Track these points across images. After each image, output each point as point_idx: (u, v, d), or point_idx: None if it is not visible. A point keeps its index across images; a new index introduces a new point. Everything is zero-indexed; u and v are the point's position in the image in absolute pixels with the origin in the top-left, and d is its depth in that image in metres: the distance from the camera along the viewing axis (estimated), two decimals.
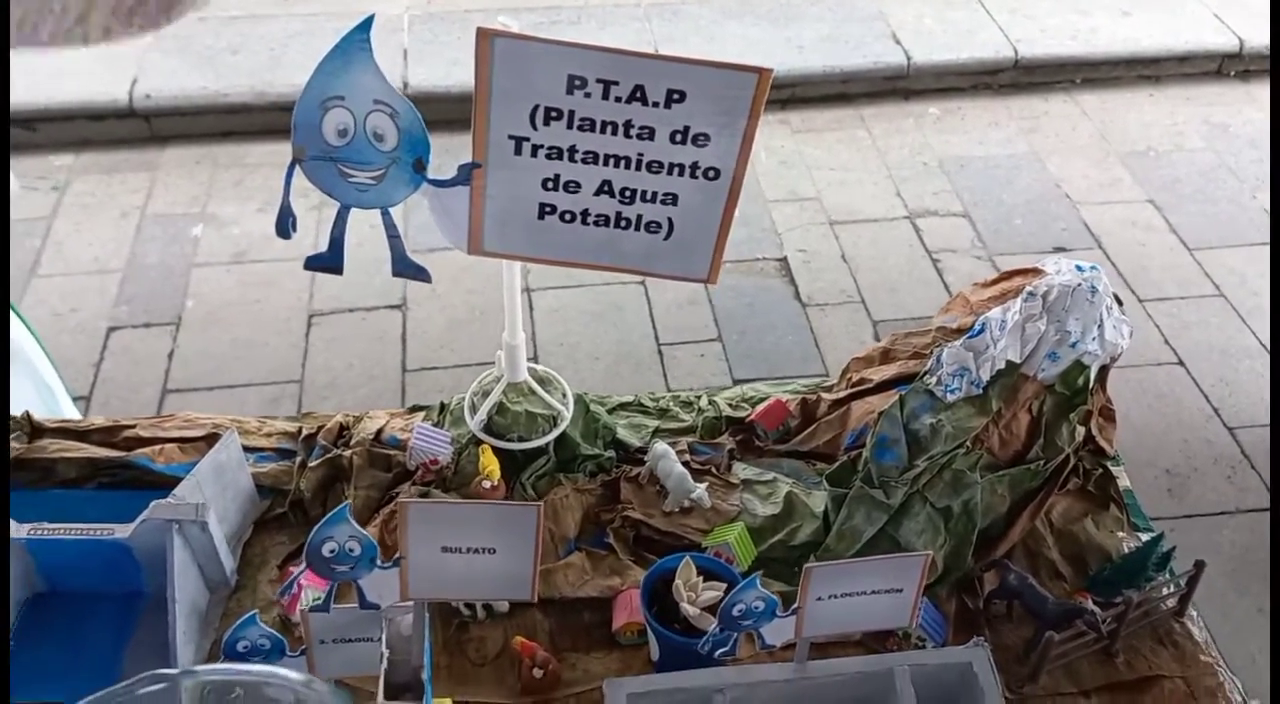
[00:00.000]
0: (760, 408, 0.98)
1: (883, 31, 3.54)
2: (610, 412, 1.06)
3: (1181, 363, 2.62)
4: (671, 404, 1.06)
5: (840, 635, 0.79)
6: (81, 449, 1.00)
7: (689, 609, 0.84)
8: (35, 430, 1.04)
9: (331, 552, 0.83)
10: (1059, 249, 2.94)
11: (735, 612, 0.78)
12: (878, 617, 0.74)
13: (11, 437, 1.05)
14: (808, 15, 3.62)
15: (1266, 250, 2.94)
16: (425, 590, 0.80)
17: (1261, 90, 3.59)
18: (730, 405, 1.02)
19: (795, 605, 0.75)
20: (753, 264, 2.83)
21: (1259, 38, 3.60)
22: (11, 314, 1.36)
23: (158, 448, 1.03)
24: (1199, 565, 0.87)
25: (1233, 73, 3.62)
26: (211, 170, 3.10)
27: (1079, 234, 2.99)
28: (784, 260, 2.85)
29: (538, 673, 0.84)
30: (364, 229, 0.82)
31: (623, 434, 1.01)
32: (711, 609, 0.82)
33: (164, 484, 0.93)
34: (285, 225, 0.68)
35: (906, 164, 3.22)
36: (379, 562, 0.80)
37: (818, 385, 1.00)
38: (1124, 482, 0.93)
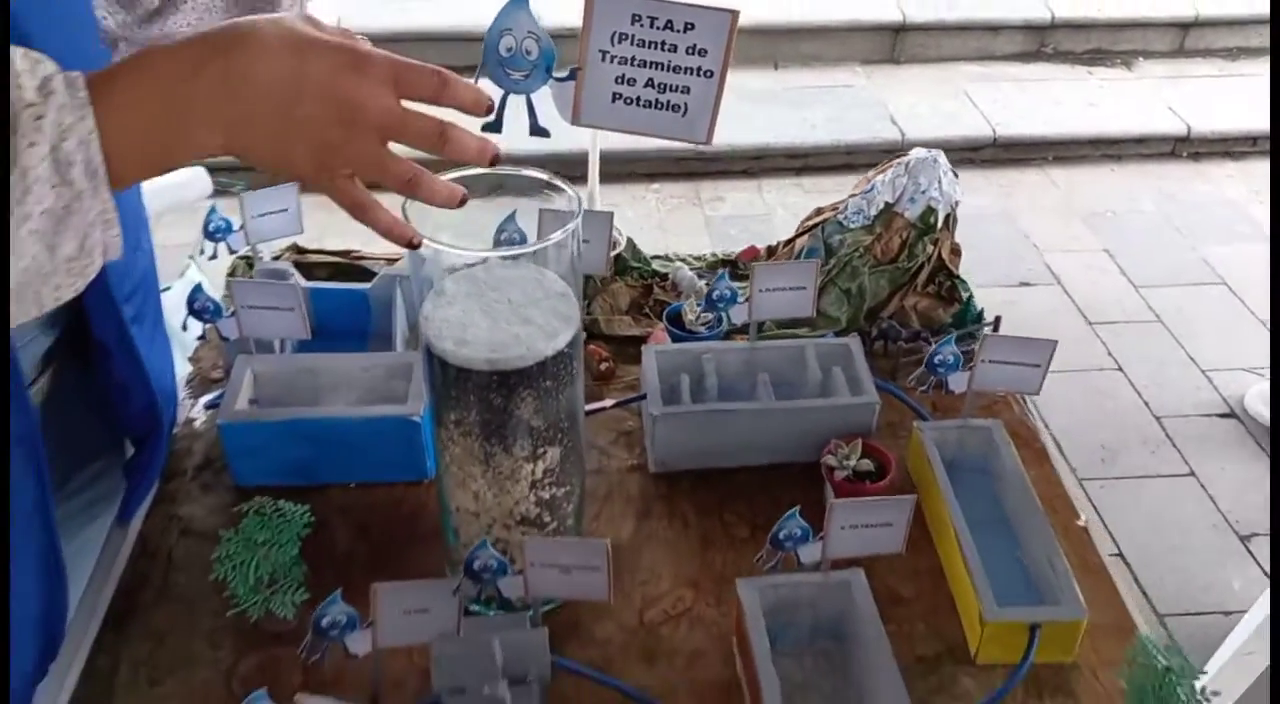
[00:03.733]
0: (740, 250, 1.55)
1: (882, 114, 4.19)
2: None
3: (1120, 369, 3.16)
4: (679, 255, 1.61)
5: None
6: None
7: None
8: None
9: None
10: (1024, 284, 3.51)
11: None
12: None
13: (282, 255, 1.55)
14: (820, 102, 4.28)
15: (1201, 289, 3.49)
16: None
17: (1209, 167, 4.19)
18: (722, 256, 1.59)
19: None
20: None
21: (1206, 124, 4.21)
22: None
23: None
24: (997, 320, 1.42)
25: (1185, 154, 4.23)
26: None
27: (1042, 273, 3.57)
28: None
29: (604, 366, 1.37)
30: None
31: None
32: None
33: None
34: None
35: None
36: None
37: (780, 242, 1.57)
38: (967, 294, 1.47)
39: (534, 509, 0.98)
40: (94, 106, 0.63)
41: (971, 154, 4.10)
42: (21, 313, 0.64)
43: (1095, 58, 4.69)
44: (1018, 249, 3.68)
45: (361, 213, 0.77)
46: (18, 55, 0.62)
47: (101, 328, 0.96)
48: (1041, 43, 4.68)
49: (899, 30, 4.56)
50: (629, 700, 0.97)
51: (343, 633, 0.90)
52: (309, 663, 0.90)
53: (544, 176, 0.92)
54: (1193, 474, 2.79)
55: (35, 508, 0.90)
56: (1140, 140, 4.21)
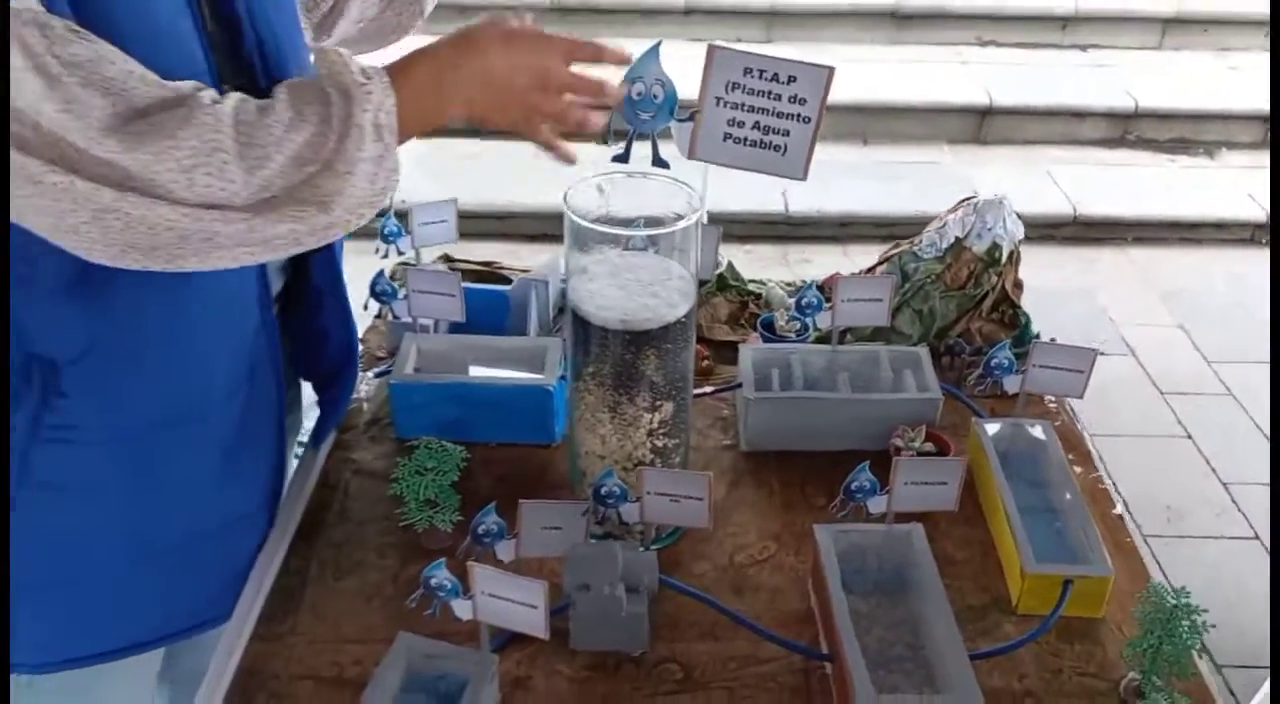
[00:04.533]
0: (825, 277, 1.76)
1: (965, 189, 4.37)
2: None
3: (1189, 437, 3.27)
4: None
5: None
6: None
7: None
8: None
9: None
10: (1099, 354, 3.64)
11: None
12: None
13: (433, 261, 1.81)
14: (906, 176, 4.49)
15: (1268, 367, 3.59)
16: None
17: None
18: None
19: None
20: None
21: None
22: None
23: None
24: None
25: (1262, 240, 4.34)
26: None
27: (1117, 344, 3.70)
28: None
29: (704, 363, 1.61)
30: None
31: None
32: None
33: None
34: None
35: None
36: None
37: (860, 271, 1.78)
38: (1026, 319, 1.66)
39: (649, 455, 1.20)
40: (394, 89, 0.94)
41: (1053, 230, 4.26)
42: (343, 227, 0.96)
43: (1178, 146, 4.83)
44: (1094, 322, 3.82)
45: (551, 148, 1.07)
46: (334, 49, 0.94)
47: (321, 276, 1.22)
48: (1125, 130, 4.85)
49: (985, 113, 4.77)
50: (719, 615, 1.16)
51: (494, 540, 1.12)
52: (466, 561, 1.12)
53: (678, 180, 1.15)
54: (1256, 537, 2.89)
55: (276, 418, 1.17)
56: (1219, 225, 4.33)
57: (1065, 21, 5.29)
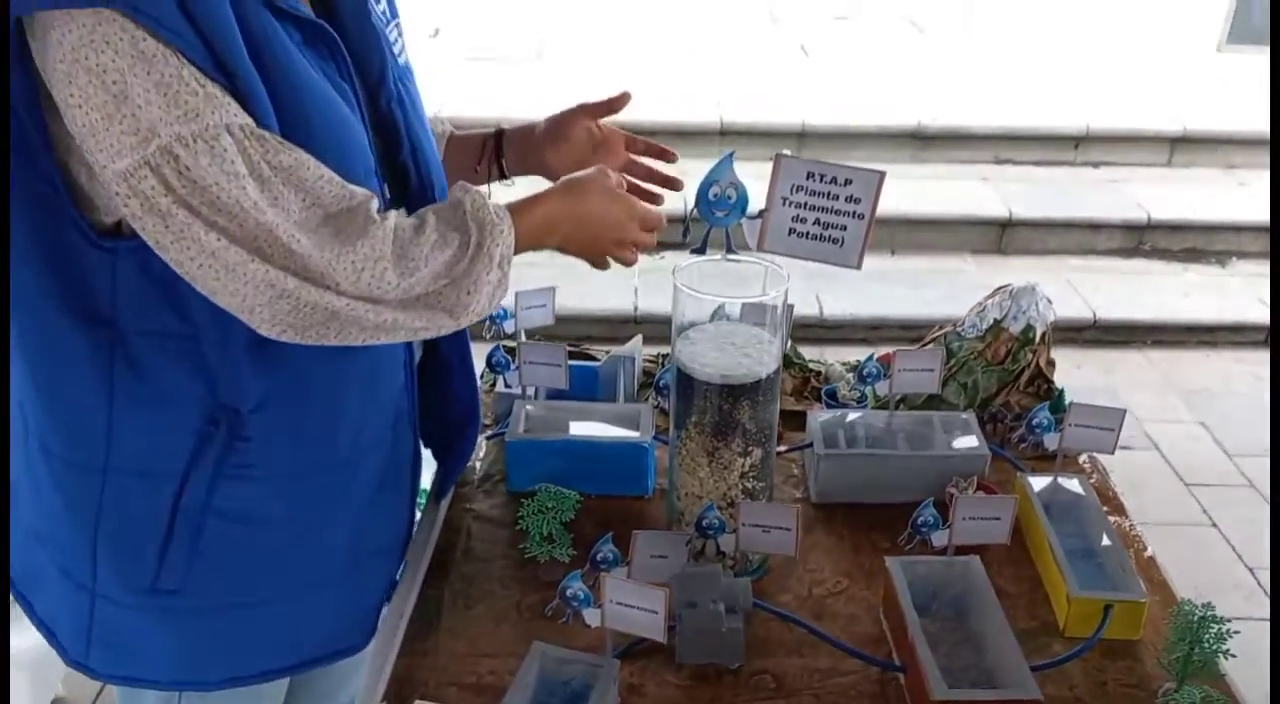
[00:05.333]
0: (881, 353, 1.97)
1: None
2: None
3: (1214, 525, 3.41)
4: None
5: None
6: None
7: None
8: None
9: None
10: (1124, 448, 3.80)
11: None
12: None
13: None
14: (932, 284, 4.73)
15: None
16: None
17: None
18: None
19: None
20: None
21: None
22: None
23: None
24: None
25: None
26: None
27: (1141, 440, 3.87)
28: None
29: None
30: None
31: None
32: None
33: None
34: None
35: None
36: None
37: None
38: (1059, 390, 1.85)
39: (740, 497, 1.39)
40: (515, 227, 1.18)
41: (1075, 334, 4.47)
42: (460, 327, 1.19)
43: (1190, 255, 5.08)
44: None
45: (632, 262, 1.33)
46: (476, 189, 1.20)
47: (451, 350, 1.42)
48: (1140, 240, 5.10)
49: (1005, 225, 5.04)
50: (804, 636, 1.34)
51: (610, 566, 1.31)
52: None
53: (762, 260, 1.37)
54: None
55: (411, 467, 1.36)
56: (1234, 328, 4.53)
57: (1078, 141, 5.60)
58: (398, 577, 1.43)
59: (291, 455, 1.27)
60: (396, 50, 1.28)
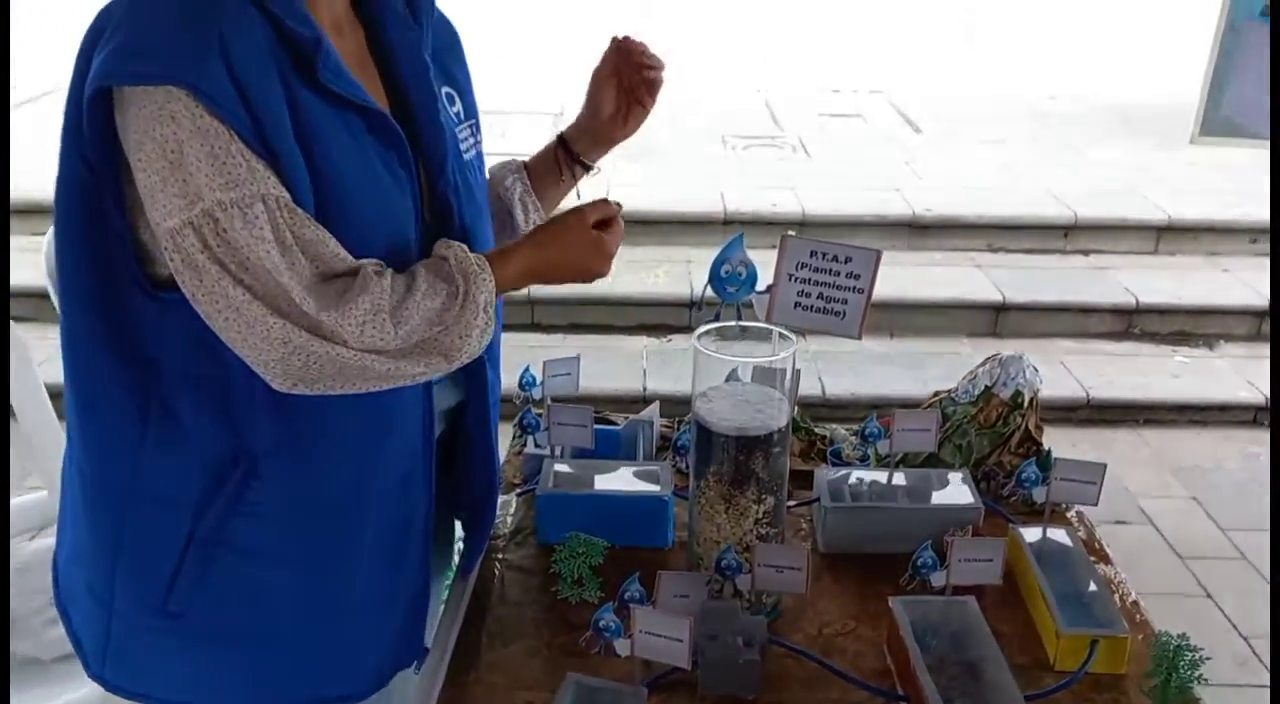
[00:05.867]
0: (882, 419, 2.11)
1: None
2: None
3: (1209, 596, 3.51)
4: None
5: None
6: None
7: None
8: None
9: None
10: (1119, 522, 3.92)
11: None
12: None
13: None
14: (930, 365, 4.88)
15: None
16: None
17: None
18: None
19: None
20: None
21: None
22: None
23: None
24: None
25: (1264, 422, 4.67)
26: None
27: (1136, 514, 3.98)
28: None
29: None
30: None
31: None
32: None
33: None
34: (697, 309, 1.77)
35: None
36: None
37: None
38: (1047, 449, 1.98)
39: (755, 542, 1.52)
40: (494, 276, 1.29)
41: (1068, 414, 4.61)
42: (467, 359, 1.31)
43: (1179, 338, 5.24)
44: (1112, 494, 4.05)
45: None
46: (459, 244, 1.31)
47: (474, 425, 1.53)
48: (1129, 324, 5.27)
49: (1000, 309, 5.21)
50: (816, 670, 1.45)
51: (636, 603, 1.43)
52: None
53: (774, 326, 1.52)
54: None
55: (423, 528, 1.47)
56: (1223, 408, 4.67)
57: (1066, 230, 5.82)
58: (427, 643, 1.51)
59: (297, 497, 1.35)
60: (465, 147, 1.44)
